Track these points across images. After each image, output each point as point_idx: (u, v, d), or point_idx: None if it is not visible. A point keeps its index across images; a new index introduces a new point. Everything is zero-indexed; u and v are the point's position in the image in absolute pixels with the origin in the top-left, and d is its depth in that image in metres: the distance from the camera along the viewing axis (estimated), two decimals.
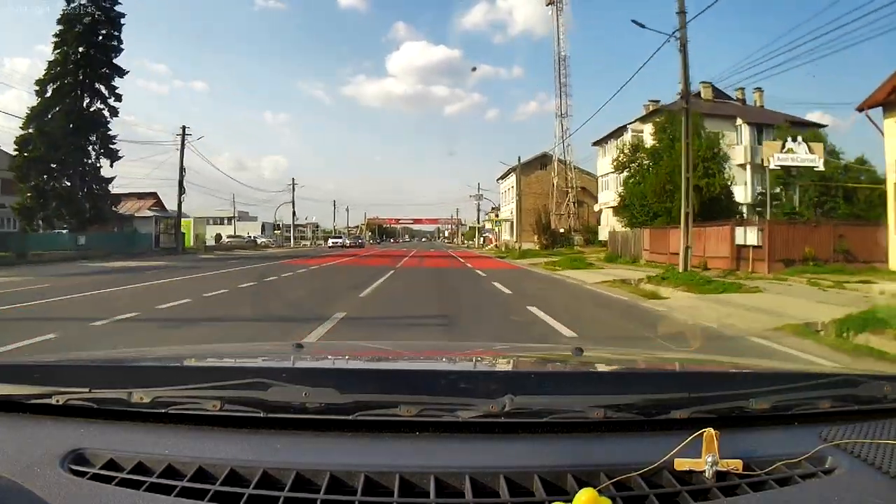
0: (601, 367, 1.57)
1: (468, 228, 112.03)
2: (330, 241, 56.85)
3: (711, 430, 0.85)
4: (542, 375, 1.37)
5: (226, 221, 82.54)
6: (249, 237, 67.01)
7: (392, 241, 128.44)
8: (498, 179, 66.96)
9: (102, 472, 0.86)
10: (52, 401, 1.02)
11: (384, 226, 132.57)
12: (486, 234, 70.04)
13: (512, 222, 52.09)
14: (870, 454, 0.91)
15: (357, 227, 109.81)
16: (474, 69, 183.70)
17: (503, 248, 48.59)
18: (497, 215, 51.33)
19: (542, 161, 52.07)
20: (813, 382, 1.13)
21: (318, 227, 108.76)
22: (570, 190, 49.67)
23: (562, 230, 47.12)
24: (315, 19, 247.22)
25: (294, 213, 68.25)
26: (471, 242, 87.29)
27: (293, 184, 68.68)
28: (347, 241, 56.67)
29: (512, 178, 54.65)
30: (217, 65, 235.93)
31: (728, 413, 1.01)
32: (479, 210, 77.55)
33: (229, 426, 0.98)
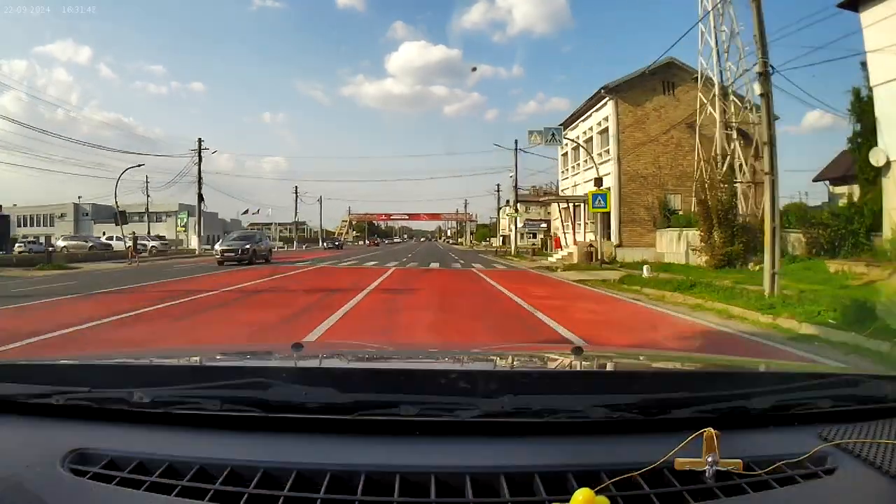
0: (601, 367, 1.57)
1: (476, 227, 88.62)
2: (217, 248, 27.32)
3: (712, 430, 0.85)
4: (542, 375, 1.37)
5: (163, 217, 61.65)
6: (106, 239, 40.41)
7: (370, 243, 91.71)
8: (563, 125, 31.09)
9: (102, 471, 0.86)
10: (52, 401, 1.02)
11: (375, 223, 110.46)
12: (524, 231, 46.02)
13: (607, 200, 21.45)
14: (870, 454, 0.91)
15: (342, 224, 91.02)
16: (474, 69, 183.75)
17: (596, 259, 22.21)
18: (576, 187, 24.96)
19: (666, 77, 24.87)
20: (813, 382, 1.13)
21: (303, 224, 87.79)
22: (732, 133, 21.08)
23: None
24: (313, 19, 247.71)
25: (201, 198, 38.60)
26: (487, 243, 66.26)
27: (199, 147, 38.74)
28: (218, 249, 25.70)
29: (591, 121, 27.89)
30: (215, 65, 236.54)
31: (728, 413, 1.01)
32: (513, 190, 41.15)
33: (229, 426, 0.98)
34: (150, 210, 56.19)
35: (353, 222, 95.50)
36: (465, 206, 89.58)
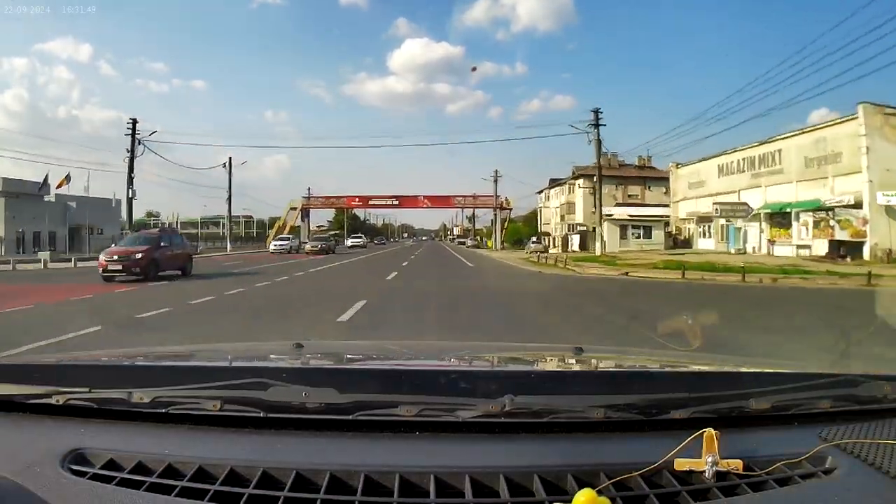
0: (601, 367, 1.57)
1: (499, 223, 55.55)
2: None
3: (711, 430, 0.85)
4: (542, 375, 1.37)
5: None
6: None
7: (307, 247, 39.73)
8: None
9: (102, 472, 0.86)
10: (52, 401, 1.02)
11: (352, 212, 76.32)
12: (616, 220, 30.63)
13: None
14: (870, 454, 0.91)
15: (289, 212, 54.86)
16: (474, 69, 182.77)
17: None
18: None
19: None
20: (813, 382, 1.13)
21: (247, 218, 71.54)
22: None
23: None
24: (315, 17, 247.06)
25: None
26: (539, 245, 41.46)
27: None
28: None
29: None
30: (216, 63, 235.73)
31: (728, 413, 1.01)
32: None
33: (229, 426, 0.98)
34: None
35: (299, 210, 56.44)
36: (496, 182, 52.26)
